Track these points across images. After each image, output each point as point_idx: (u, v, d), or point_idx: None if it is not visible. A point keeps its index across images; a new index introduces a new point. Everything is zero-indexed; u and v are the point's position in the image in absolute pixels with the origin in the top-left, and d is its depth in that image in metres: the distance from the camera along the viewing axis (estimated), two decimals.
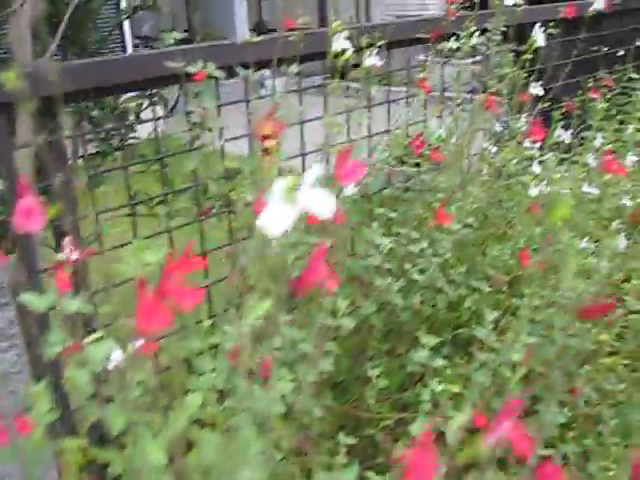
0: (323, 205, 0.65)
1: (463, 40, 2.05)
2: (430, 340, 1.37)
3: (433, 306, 1.72)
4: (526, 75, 2.39)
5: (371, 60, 1.50)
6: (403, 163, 1.83)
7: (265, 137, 1.26)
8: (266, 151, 1.25)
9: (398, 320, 1.69)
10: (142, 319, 0.63)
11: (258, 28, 12.30)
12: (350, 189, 1.16)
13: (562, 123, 2.32)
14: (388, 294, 1.51)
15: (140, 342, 0.92)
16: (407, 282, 1.56)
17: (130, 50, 7.89)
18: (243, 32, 10.70)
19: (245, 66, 1.48)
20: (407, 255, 1.57)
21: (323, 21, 11.91)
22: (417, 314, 1.69)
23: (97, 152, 2.60)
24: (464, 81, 2.34)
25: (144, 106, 2.60)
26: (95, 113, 2.56)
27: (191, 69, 1.37)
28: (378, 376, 1.54)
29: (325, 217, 0.65)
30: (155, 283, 0.67)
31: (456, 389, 1.32)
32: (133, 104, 2.59)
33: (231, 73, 1.56)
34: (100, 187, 2.39)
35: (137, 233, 1.98)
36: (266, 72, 1.67)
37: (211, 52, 1.54)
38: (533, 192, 1.70)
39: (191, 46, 1.45)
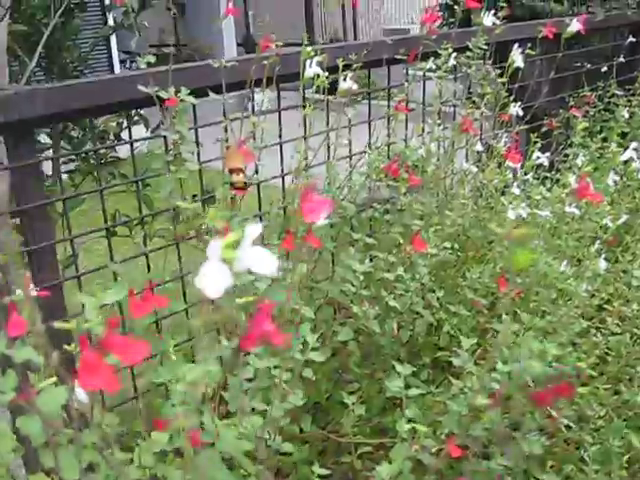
0: (264, 263, 0.63)
1: (442, 59, 2.04)
2: (405, 369, 1.34)
3: (412, 330, 1.70)
4: (507, 94, 2.39)
5: (346, 84, 1.48)
6: (388, 186, 1.81)
7: (233, 170, 1.24)
8: (233, 185, 1.24)
9: (376, 344, 1.67)
10: (83, 376, 0.60)
11: (246, 42, 12.31)
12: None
13: (542, 143, 2.31)
14: (365, 320, 1.49)
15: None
16: (384, 308, 1.54)
17: (117, 66, 7.87)
18: (231, 47, 10.72)
19: (218, 89, 1.46)
20: (384, 280, 1.55)
21: (310, 35, 11.94)
22: (396, 339, 1.67)
23: (77, 171, 2.58)
24: (445, 99, 2.34)
25: (124, 126, 2.58)
26: (74, 133, 2.54)
27: (163, 95, 1.35)
28: (354, 403, 1.51)
29: (267, 274, 0.63)
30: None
31: (424, 429, 1.29)
32: (113, 123, 2.57)
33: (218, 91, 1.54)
34: (80, 207, 2.37)
35: (118, 254, 1.96)
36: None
37: (184, 75, 1.53)
38: (511, 215, 1.69)
39: (163, 68, 1.43)
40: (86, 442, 0.76)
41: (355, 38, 11.11)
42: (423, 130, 2.42)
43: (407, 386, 1.78)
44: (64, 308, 1.84)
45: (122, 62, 9.58)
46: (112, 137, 2.61)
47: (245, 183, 1.28)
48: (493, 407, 1.52)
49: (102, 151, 2.60)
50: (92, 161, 2.62)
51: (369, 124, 2.28)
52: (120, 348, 0.63)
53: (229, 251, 0.64)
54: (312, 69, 1.36)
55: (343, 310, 1.63)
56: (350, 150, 2.11)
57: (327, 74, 1.45)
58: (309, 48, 1.36)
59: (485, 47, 2.37)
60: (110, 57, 7.79)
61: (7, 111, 1.55)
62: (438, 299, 1.65)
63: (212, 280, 0.62)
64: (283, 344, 0.68)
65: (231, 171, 1.29)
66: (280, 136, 1.97)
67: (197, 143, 1.66)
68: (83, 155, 2.62)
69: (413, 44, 2.34)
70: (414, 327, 1.70)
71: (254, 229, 0.65)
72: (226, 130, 1.56)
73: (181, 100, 1.34)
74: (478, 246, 2.00)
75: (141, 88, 1.40)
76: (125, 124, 2.62)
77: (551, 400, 1.34)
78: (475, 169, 2.12)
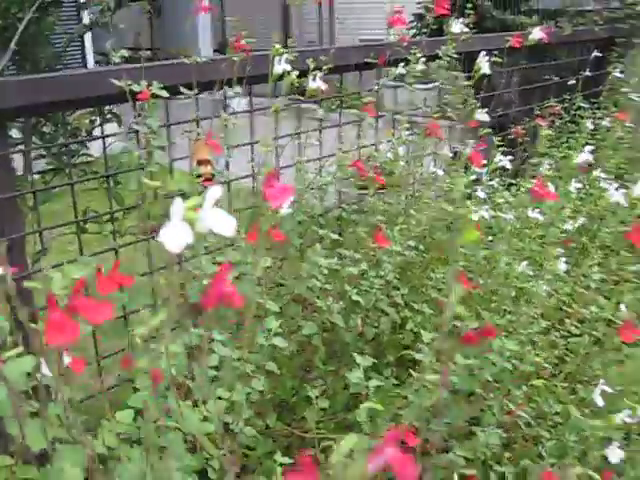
0: (223, 224, 0.66)
1: (411, 65, 2.09)
2: (365, 361, 1.38)
3: (377, 327, 1.74)
4: (474, 101, 2.44)
5: (315, 83, 1.52)
6: (360, 188, 1.85)
7: (201, 162, 1.27)
8: (200, 177, 1.26)
9: (342, 341, 1.70)
10: (50, 333, 0.63)
11: (222, 48, 12.33)
12: (285, 209, 1.17)
13: (509, 150, 2.37)
14: (329, 315, 1.52)
15: (68, 359, 0.92)
16: (349, 304, 1.57)
17: (91, 66, 7.85)
18: (207, 52, 10.73)
19: (190, 86, 1.49)
20: (349, 276, 1.59)
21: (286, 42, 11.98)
22: (361, 336, 1.71)
23: (49, 169, 2.58)
24: (415, 106, 2.38)
25: (96, 123, 2.59)
26: (46, 129, 2.55)
27: (136, 88, 1.37)
28: (318, 397, 1.54)
29: (226, 235, 0.66)
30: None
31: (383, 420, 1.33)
32: (86, 120, 2.57)
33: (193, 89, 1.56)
34: (52, 205, 2.37)
35: (87, 250, 1.96)
36: (229, 92, 1.68)
37: (157, 72, 1.55)
38: (475, 216, 1.73)
39: (136, 65, 1.45)
40: (51, 415, 0.78)
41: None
42: (393, 135, 2.47)
43: (368, 378, 1.82)
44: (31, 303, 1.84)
45: (97, 63, 9.54)
46: (84, 134, 2.62)
47: (212, 175, 1.31)
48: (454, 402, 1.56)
49: (74, 148, 2.60)
50: (64, 158, 2.62)
51: (339, 127, 2.33)
52: (86, 309, 0.65)
53: (191, 212, 0.67)
54: (281, 66, 1.39)
55: (310, 306, 1.66)
56: (320, 152, 2.15)
57: (297, 73, 1.48)
58: (278, 46, 1.39)
59: (455, 55, 2.43)
60: (84, 57, 7.76)
61: None
62: (403, 297, 1.69)
63: (174, 236, 0.65)
64: (241, 305, 0.71)
65: (199, 163, 1.31)
66: (251, 136, 2.01)
67: (168, 139, 1.69)
68: (54, 152, 2.62)
69: (383, 50, 2.39)
70: (379, 324, 1.73)
71: (214, 192, 0.69)
72: (197, 125, 1.59)
73: (153, 95, 1.36)
74: (442, 248, 2.04)
75: (114, 81, 1.42)
76: (98, 121, 2.63)
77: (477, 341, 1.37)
78: (442, 173, 2.17)
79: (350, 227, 1.81)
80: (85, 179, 2.05)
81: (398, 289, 1.70)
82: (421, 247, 1.89)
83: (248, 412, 1.43)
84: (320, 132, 2.12)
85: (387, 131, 2.49)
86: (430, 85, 2.62)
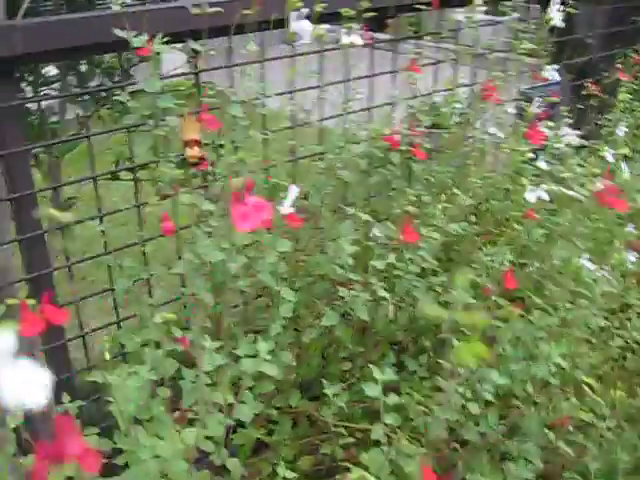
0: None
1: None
2: (384, 374, 1.21)
3: (412, 310, 1.56)
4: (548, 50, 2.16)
5: (349, 38, 1.29)
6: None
7: (187, 143, 1.09)
8: (188, 162, 1.08)
9: (369, 327, 1.53)
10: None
11: None
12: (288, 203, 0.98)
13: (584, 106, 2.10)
14: (353, 305, 1.35)
15: None
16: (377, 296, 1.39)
17: None
18: None
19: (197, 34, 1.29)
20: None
21: None
22: (393, 321, 1.53)
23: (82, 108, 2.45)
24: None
25: (134, 62, 2.43)
26: (82, 68, 2.40)
27: (136, 42, 1.19)
28: (336, 395, 1.38)
29: None
30: None
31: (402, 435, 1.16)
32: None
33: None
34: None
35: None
36: None
37: (162, 16, 1.37)
38: (530, 196, 1.50)
39: (141, 9, 1.27)
40: None
41: None
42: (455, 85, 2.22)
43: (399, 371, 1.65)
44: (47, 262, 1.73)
45: None
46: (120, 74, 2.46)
47: (202, 158, 1.13)
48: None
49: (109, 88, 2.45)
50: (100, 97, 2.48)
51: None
52: None
53: None
54: (299, 23, 1.17)
55: (336, 286, 1.49)
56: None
57: (326, 27, 1.26)
58: None
59: None
60: None
61: None
62: (442, 284, 1.49)
63: None
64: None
65: (185, 144, 1.14)
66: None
67: None
68: (88, 92, 2.48)
69: None
70: (414, 308, 1.55)
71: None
72: None
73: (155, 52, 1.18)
74: (495, 221, 1.83)
75: (117, 32, 1.24)
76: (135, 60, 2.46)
77: None
78: (502, 135, 1.92)
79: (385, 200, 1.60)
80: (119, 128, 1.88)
81: (436, 274, 1.50)
82: (468, 222, 1.68)
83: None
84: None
85: (446, 80, 2.24)
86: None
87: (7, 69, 1.52)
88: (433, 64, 2.09)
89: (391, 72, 1.94)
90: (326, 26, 1.24)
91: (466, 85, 2.15)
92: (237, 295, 1.23)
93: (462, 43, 2.18)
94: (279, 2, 1.23)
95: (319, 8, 1.20)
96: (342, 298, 1.35)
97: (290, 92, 1.83)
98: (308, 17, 1.18)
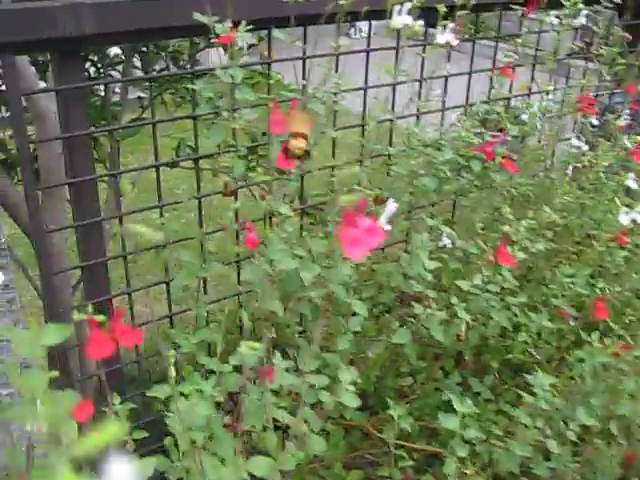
0: None
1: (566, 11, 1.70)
2: (464, 406, 1.11)
3: (482, 331, 1.46)
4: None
5: (444, 37, 1.19)
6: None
7: (296, 135, 1.02)
8: (289, 152, 1.00)
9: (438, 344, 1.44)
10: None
11: None
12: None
13: None
14: (427, 323, 1.26)
15: None
16: (453, 313, 1.30)
17: None
18: None
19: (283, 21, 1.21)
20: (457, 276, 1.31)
21: None
22: (462, 340, 1.44)
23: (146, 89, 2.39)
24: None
25: (200, 47, 2.36)
26: (145, 50, 2.34)
27: (218, 29, 1.11)
28: (401, 416, 1.29)
29: None
30: None
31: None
32: (187, 43, 2.34)
33: None
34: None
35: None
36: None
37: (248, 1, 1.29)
38: (624, 219, 1.39)
39: None
40: None
41: None
42: (530, 90, 2.11)
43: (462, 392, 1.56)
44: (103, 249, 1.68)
45: None
46: (186, 58, 2.40)
47: (307, 152, 1.05)
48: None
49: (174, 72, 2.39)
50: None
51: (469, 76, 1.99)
52: None
53: None
54: (401, 18, 1.08)
55: (408, 300, 1.40)
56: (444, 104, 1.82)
57: (421, 23, 1.17)
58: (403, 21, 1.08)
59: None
60: None
61: (49, 27, 1.35)
62: (519, 304, 1.40)
63: None
64: None
65: (293, 135, 1.06)
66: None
67: None
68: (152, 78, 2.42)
69: None
70: (486, 327, 1.46)
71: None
72: None
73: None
74: (575, 238, 1.72)
75: (197, 16, 1.16)
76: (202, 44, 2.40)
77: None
78: (585, 147, 1.81)
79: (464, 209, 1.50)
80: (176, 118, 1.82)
81: (515, 294, 1.40)
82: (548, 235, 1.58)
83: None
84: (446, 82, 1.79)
85: (522, 84, 2.13)
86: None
87: (73, 49, 1.46)
88: (512, 67, 1.98)
89: (472, 72, 1.84)
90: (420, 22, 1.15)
91: (544, 91, 2.03)
92: (306, 306, 1.16)
93: (539, 47, 2.07)
94: None
95: (418, 3, 1.11)
96: (415, 316, 1.26)
97: (367, 88, 1.75)
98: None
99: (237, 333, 1.91)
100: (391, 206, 0.83)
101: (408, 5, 1.08)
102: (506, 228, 1.27)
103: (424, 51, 1.47)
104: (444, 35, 1.17)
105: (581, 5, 1.61)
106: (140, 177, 2.31)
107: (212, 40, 1.30)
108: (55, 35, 1.37)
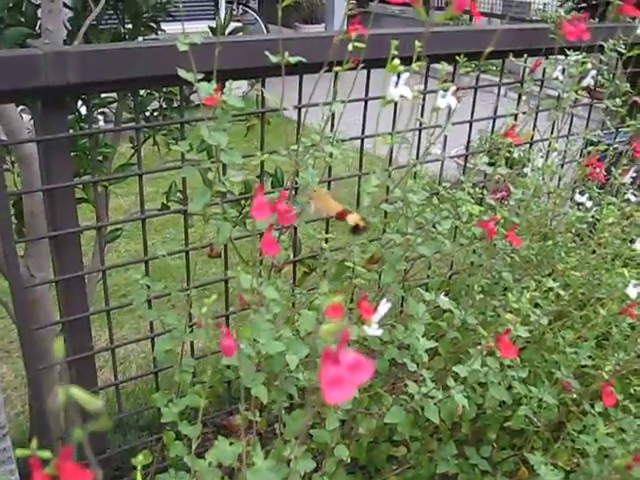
0: None
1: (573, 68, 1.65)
2: None
3: (479, 405, 1.38)
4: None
5: (445, 101, 1.12)
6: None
7: (342, 215, 0.97)
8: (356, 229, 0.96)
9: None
10: None
11: None
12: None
13: None
14: (423, 404, 1.18)
15: None
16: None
17: (223, 11, 7.38)
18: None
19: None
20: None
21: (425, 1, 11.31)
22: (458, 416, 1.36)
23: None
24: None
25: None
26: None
27: (203, 90, 1.04)
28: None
29: None
30: None
31: None
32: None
33: None
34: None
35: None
36: None
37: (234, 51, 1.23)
38: (632, 292, 1.31)
39: (209, 41, 1.13)
40: None
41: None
42: (532, 138, 2.06)
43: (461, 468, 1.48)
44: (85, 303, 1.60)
45: (229, 2, 9.17)
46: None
47: (366, 222, 1.01)
48: None
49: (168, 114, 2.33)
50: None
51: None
52: None
53: None
54: (398, 90, 1.01)
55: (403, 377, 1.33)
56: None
57: (420, 88, 1.09)
58: (397, 61, 1.00)
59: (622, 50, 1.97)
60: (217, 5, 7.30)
61: (32, 76, 1.29)
62: (519, 378, 1.32)
63: None
64: None
65: (340, 216, 1.02)
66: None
67: None
68: (146, 114, 2.37)
69: (537, 37, 1.96)
70: (484, 401, 1.38)
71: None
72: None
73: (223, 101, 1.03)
74: (576, 300, 1.64)
75: (181, 73, 1.10)
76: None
77: None
78: (589, 203, 1.74)
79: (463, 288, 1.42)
80: (161, 169, 1.76)
81: (515, 368, 1.33)
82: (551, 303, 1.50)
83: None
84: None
85: (526, 132, 2.07)
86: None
87: (57, 98, 1.40)
88: (514, 116, 1.92)
89: (473, 121, 1.78)
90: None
91: (546, 139, 1.98)
92: (292, 386, 1.08)
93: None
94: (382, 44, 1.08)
95: (416, 68, 1.04)
96: (410, 394, 1.18)
97: (364, 138, 1.69)
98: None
99: (224, 390, 1.83)
100: (383, 307, 0.77)
101: (406, 75, 1.02)
102: (508, 316, 1.19)
103: (422, 115, 1.41)
104: (445, 99, 1.10)
105: (589, 65, 1.55)
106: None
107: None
108: (38, 84, 1.31)
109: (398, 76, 1.01)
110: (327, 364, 0.47)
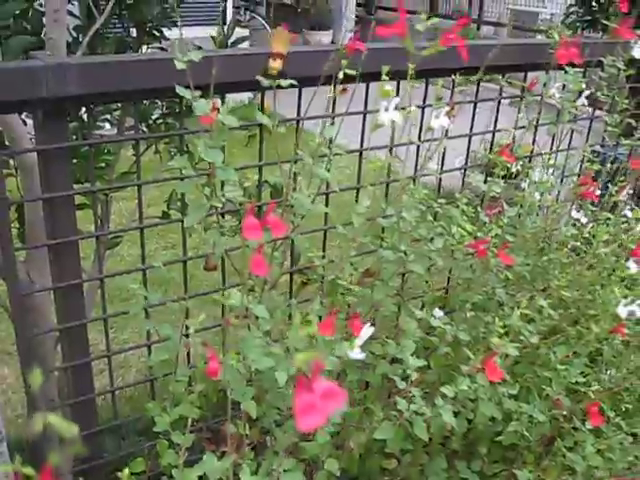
0: None
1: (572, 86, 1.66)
2: None
3: (470, 420, 1.39)
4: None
5: (438, 122, 1.13)
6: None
7: (273, 55, 1.01)
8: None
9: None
10: None
11: (367, 2, 11.83)
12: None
13: None
14: (412, 420, 1.19)
15: None
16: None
17: (230, 16, 7.43)
18: (351, 6, 10.29)
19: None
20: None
21: (434, 5, 11.35)
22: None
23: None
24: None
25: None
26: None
27: (199, 109, 1.06)
28: None
29: None
30: None
31: None
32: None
33: None
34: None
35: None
36: None
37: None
38: (622, 312, 1.32)
39: (210, 54, 1.14)
40: None
41: (479, 16, 10.44)
42: (532, 152, 2.07)
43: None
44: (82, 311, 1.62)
45: (236, 8, 9.21)
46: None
47: (282, 72, 1.06)
48: None
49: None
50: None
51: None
52: None
53: None
54: (387, 114, 1.02)
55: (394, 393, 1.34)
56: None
57: (413, 108, 1.11)
58: (388, 87, 1.01)
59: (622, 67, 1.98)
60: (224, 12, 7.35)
61: (34, 87, 1.31)
62: (510, 396, 1.33)
63: None
64: None
65: (271, 55, 1.07)
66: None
67: None
68: (149, 122, 2.38)
69: (537, 52, 1.97)
70: (475, 416, 1.39)
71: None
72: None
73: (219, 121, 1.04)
74: (570, 315, 1.65)
75: (179, 90, 1.12)
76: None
77: None
78: (585, 219, 1.75)
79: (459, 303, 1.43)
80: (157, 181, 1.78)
81: (504, 385, 1.34)
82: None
83: None
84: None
85: (525, 145, 2.08)
86: None
87: (57, 109, 1.42)
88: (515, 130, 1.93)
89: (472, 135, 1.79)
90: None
91: (545, 154, 1.99)
92: (282, 401, 1.09)
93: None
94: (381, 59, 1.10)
95: (409, 88, 1.05)
96: (399, 410, 1.19)
97: (363, 150, 1.71)
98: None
99: (218, 399, 1.84)
100: (367, 331, 0.78)
101: (396, 100, 1.03)
102: (495, 340, 1.20)
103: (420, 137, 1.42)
104: (439, 120, 1.12)
105: (583, 85, 1.56)
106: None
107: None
108: (39, 95, 1.33)
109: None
110: (301, 392, 0.48)
